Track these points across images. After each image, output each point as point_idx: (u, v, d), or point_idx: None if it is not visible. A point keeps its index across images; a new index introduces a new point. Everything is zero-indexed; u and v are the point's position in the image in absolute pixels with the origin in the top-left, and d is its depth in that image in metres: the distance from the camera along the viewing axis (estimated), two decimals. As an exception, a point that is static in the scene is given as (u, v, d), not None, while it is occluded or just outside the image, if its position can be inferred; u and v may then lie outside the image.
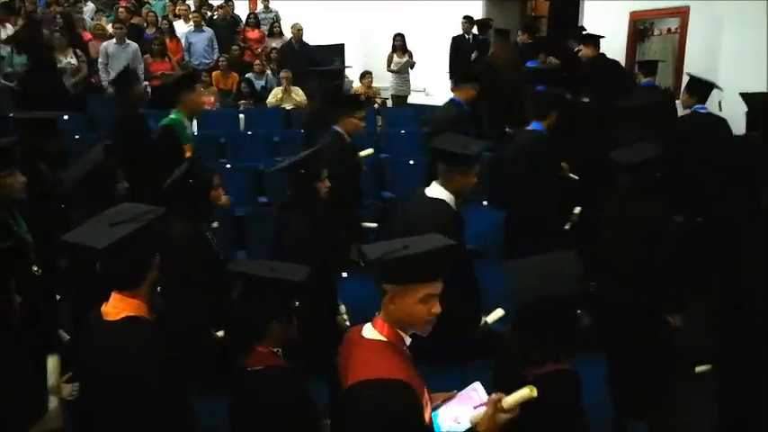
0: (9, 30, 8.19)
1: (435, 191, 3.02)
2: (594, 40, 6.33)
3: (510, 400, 1.82)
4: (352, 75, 9.11)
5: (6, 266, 2.43)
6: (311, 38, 9.15)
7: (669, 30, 6.66)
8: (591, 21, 7.20)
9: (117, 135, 5.01)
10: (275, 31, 9.60)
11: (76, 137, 6.45)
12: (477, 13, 8.64)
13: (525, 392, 1.82)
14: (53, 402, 2.19)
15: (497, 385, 2.01)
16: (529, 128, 4.42)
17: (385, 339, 1.87)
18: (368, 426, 1.73)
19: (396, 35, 8.71)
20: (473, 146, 3.05)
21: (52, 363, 2.27)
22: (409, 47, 8.78)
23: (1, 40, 7.86)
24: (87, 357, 1.97)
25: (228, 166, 6.01)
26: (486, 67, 6.95)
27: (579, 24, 7.26)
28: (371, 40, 9.63)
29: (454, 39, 8.49)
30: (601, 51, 6.36)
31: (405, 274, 1.82)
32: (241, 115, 7.66)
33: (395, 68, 8.70)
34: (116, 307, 1.96)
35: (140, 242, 1.95)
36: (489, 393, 1.93)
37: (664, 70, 6.35)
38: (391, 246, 1.86)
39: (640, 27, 6.97)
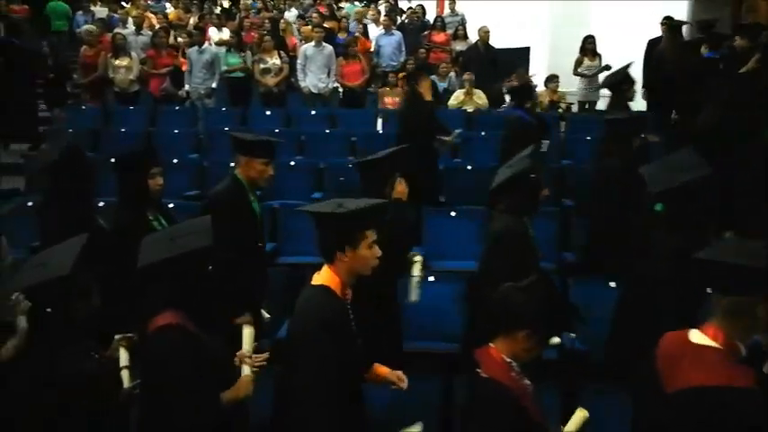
0: (225, 33, 9.22)
1: None
2: (748, 30, 5.85)
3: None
4: (537, 79, 8.89)
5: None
6: (498, 40, 9.09)
7: None
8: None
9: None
10: (460, 34, 9.72)
11: (276, 130, 7.08)
12: (682, 14, 7.96)
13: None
14: (245, 370, 2.30)
15: None
16: None
17: (722, 348, 1.83)
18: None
19: (587, 37, 8.31)
20: None
21: (248, 331, 2.41)
22: (599, 49, 8.35)
23: (216, 43, 8.86)
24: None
25: (410, 164, 6.20)
26: (655, 63, 6.55)
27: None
28: (559, 43, 9.31)
29: (650, 42, 7.91)
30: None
31: None
32: (423, 116, 7.84)
33: (585, 72, 8.33)
34: (321, 275, 2.21)
35: (330, 227, 2.18)
36: None
37: None
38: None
39: None
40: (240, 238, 3.10)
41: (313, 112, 7.82)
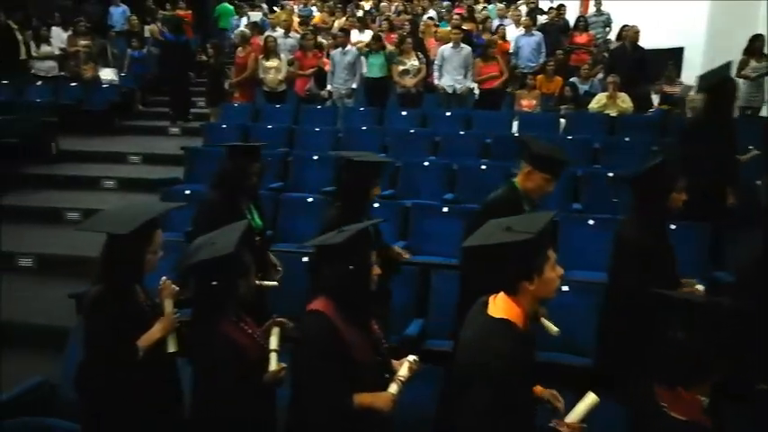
0: (367, 35, 9.49)
1: None
2: None
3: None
4: (693, 81, 8.27)
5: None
6: (647, 41, 8.55)
7: None
8: None
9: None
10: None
11: (411, 131, 7.17)
12: None
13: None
14: (393, 388, 2.26)
15: None
16: None
17: None
18: None
19: (755, 36, 7.57)
20: None
21: (411, 361, 2.36)
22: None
23: (356, 45, 9.12)
24: (463, 340, 2.07)
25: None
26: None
27: None
28: (717, 43, 8.57)
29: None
30: None
31: None
32: (561, 120, 7.59)
33: (750, 74, 7.59)
34: (499, 305, 1.99)
35: (513, 256, 1.95)
36: None
37: None
38: None
39: None
40: None
41: (448, 113, 7.84)
